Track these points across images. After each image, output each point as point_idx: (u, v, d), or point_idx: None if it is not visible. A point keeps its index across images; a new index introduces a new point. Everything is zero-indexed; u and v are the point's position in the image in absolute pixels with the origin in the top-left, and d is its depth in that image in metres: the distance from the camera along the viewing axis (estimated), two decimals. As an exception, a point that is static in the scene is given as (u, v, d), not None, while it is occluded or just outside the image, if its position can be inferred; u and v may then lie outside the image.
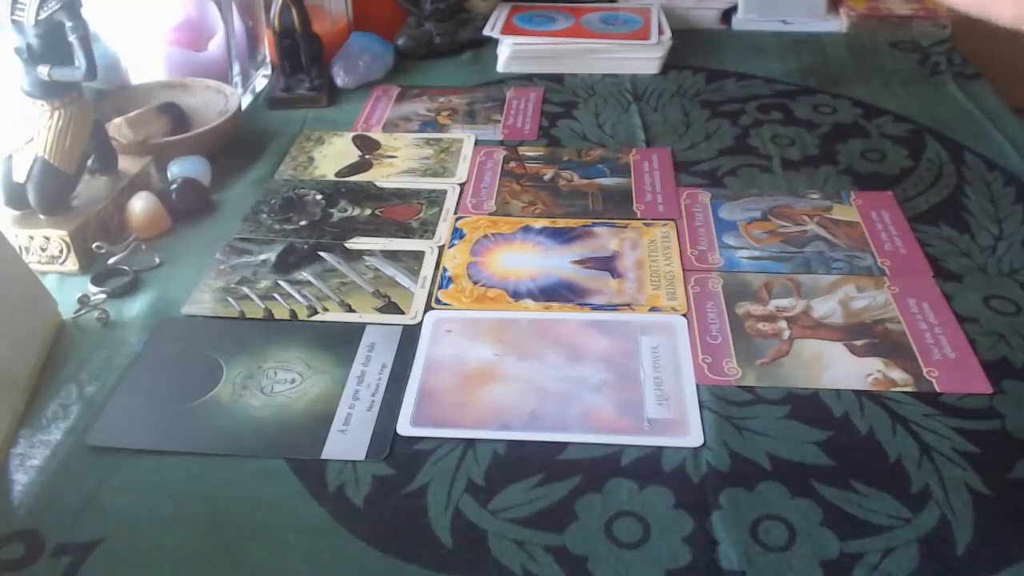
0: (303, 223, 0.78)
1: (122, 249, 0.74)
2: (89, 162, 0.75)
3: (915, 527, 0.50)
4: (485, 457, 0.55)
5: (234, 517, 0.51)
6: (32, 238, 0.71)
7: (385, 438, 0.56)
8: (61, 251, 0.71)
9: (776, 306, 0.67)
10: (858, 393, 0.59)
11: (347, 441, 0.56)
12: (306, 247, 0.74)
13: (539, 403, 0.59)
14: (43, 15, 0.66)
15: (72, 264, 0.72)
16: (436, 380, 0.61)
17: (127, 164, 0.79)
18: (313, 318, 0.67)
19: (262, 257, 0.73)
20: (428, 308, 0.68)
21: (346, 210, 0.80)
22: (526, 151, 0.89)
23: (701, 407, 0.58)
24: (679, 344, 0.63)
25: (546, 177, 0.84)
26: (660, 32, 1.07)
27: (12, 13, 0.67)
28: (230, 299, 0.69)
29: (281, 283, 0.70)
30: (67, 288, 0.70)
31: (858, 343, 0.63)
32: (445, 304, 0.68)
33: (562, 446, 0.55)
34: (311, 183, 0.84)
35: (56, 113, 0.70)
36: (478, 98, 1.00)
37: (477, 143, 0.91)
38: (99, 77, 0.70)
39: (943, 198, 0.80)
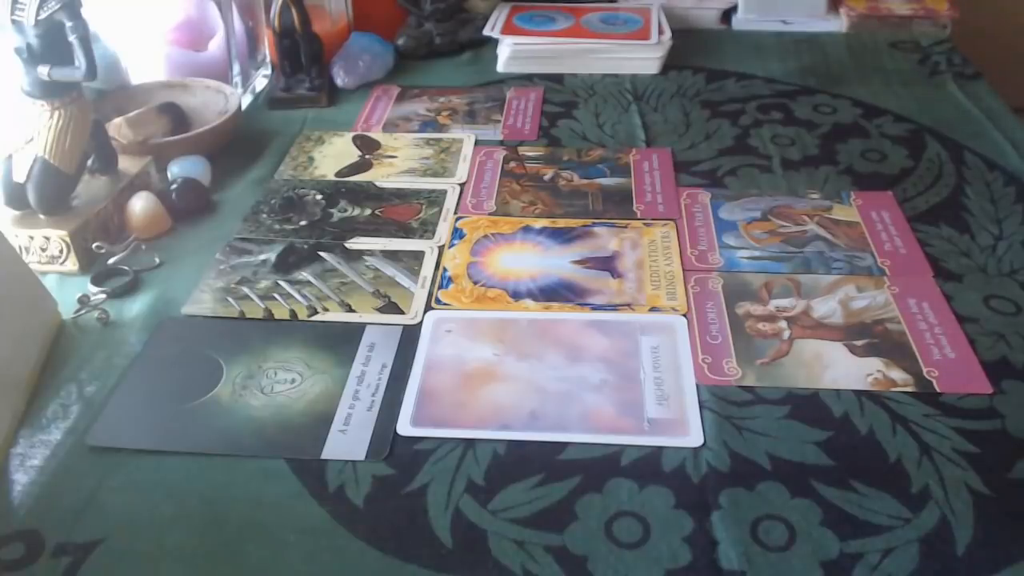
0: (303, 223, 0.78)
1: (122, 249, 0.74)
2: (89, 162, 0.75)
3: (915, 527, 0.50)
4: (485, 457, 0.55)
5: (234, 517, 0.51)
6: (32, 238, 0.71)
7: (385, 438, 0.56)
8: (61, 251, 0.71)
9: (776, 306, 0.67)
10: (858, 393, 0.59)
11: (347, 441, 0.56)
12: (306, 247, 0.74)
13: (539, 403, 0.59)
14: (43, 15, 0.66)
15: (72, 264, 0.72)
16: (436, 380, 0.61)
17: (127, 164, 0.79)
18: (313, 318, 0.67)
19: (262, 257, 0.73)
20: (428, 308, 0.68)
21: (346, 210, 0.80)
22: (526, 151, 0.89)
23: (701, 407, 0.58)
24: (679, 344, 0.63)
25: (546, 177, 0.84)
26: (660, 32, 1.07)
27: (12, 13, 0.67)
28: (230, 299, 0.69)
29: (281, 283, 0.70)
30: (67, 288, 0.70)
31: (858, 343, 0.63)
32: (445, 304, 0.68)
33: (562, 446, 0.55)
34: (311, 183, 0.84)
35: (56, 113, 0.70)
36: (478, 98, 1.00)
37: (477, 143, 0.91)
38: (99, 77, 0.70)
39: (943, 198, 0.80)
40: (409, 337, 0.65)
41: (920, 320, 0.65)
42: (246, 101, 0.99)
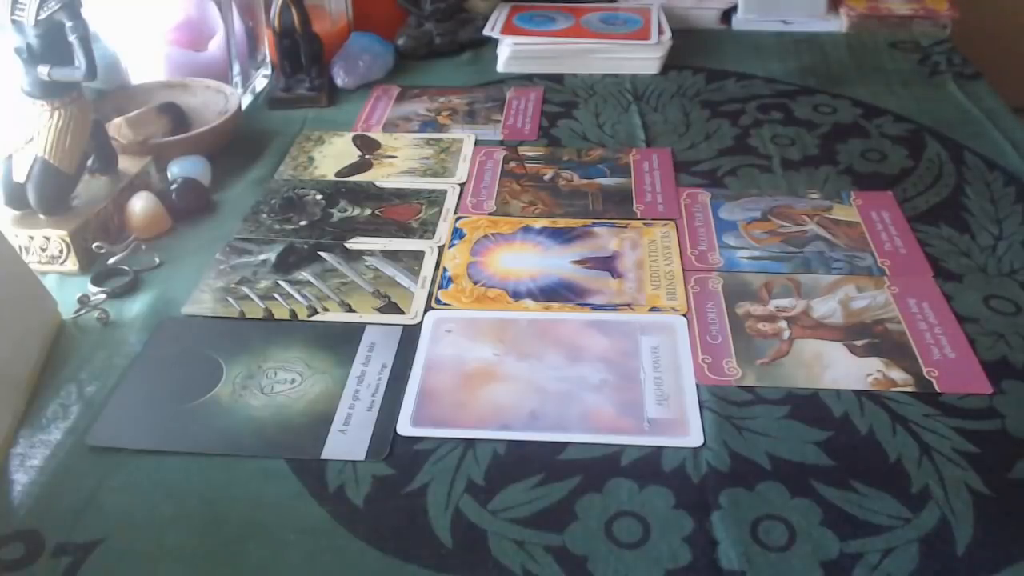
0: (303, 223, 0.78)
1: (122, 249, 0.74)
2: (89, 162, 0.75)
3: (915, 527, 0.50)
4: (485, 457, 0.55)
5: (234, 517, 0.51)
6: (32, 238, 0.71)
7: (385, 438, 0.56)
8: (61, 251, 0.71)
9: (776, 306, 0.67)
10: (858, 393, 0.59)
11: (347, 441, 0.56)
12: (306, 247, 0.74)
13: (539, 403, 0.59)
14: (43, 15, 0.66)
15: (72, 264, 0.72)
16: (436, 380, 0.61)
17: (127, 164, 0.79)
18: (313, 318, 0.67)
19: (262, 257, 0.73)
20: (428, 308, 0.68)
21: (346, 210, 0.80)
22: (526, 151, 0.89)
23: (701, 407, 0.58)
24: (679, 344, 0.63)
25: (546, 177, 0.84)
26: (660, 32, 1.07)
27: (12, 13, 0.67)
28: (230, 299, 0.69)
29: (281, 283, 0.70)
30: (67, 288, 0.70)
31: (858, 343, 0.63)
32: (445, 304, 0.68)
33: (562, 446, 0.55)
34: (311, 183, 0.84)
35: (56, 113, 0.70)
36: (478, 98, 1.00)
37: (477, 143, 0.91)
38: (99, 77, 0.70)
39: (943, 198, 0.80)
40: (409, 337, 0.65)
41: (920, 320, 0.65)
42: (246, 101, 0.99)
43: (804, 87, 1.01)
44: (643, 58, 1.05)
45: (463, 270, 0.72)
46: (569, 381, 0.60)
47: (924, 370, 0.60)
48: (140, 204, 0.76)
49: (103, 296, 0.69)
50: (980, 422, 0.57)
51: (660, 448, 0.55)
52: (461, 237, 0.76)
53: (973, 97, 0.98)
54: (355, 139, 0.92)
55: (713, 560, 0.48)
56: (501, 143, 0.91)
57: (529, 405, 0.58)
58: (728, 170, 0.85)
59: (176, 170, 0.81)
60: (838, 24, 1.16)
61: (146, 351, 0.64)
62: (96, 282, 0.70)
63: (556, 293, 0.69)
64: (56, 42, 0.67)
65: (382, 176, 0.85)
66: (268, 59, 1.05)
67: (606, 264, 0.72)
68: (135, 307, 0.68)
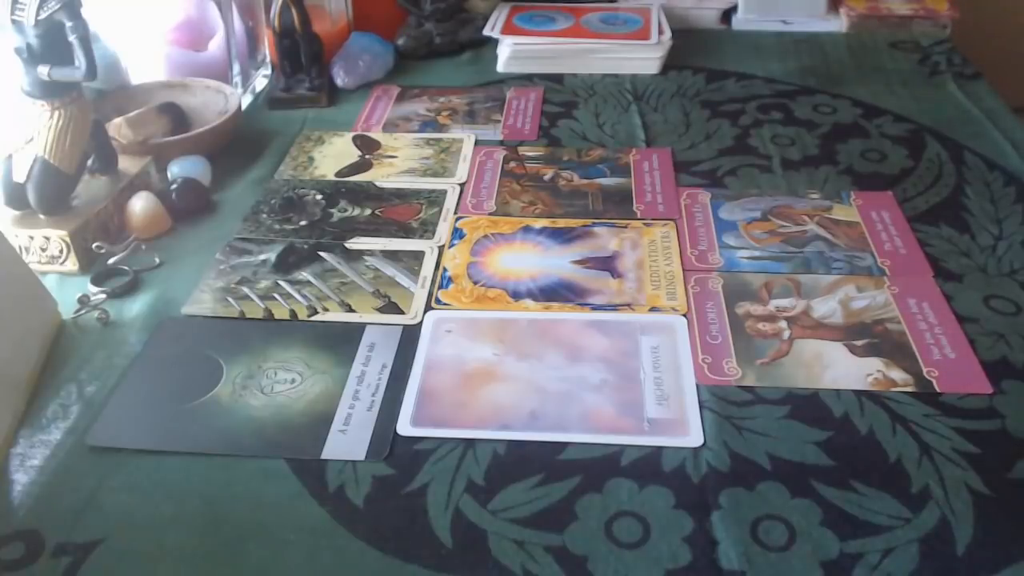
0: (303, 223, 0.78)
1: (122, 249, 0.74)
2: (89, 162, 0.75)
3: (915, 527, 0.50)
4: (485, 457, 0.55)
5: (234, 517, 0.51)
6: (32, 238, 0.71)
7: (385, 438, 0.56)
8: (61, 251, 0.71)
9: (776, 306, 0.67)
10: (858, 393, 0.59)
11: (347, 441, 0.56)
12: (306, 247, 0.74)
13: (539, 403, 0.59)
14: (43, 15, 0.66)
15: (72, 264, 0.72)
16: (436, 380, 0.61)
17: (127, 164, 0.79)
18: (313, 318, 0.67)
19: (262, 257, 0.73)
20: (428, 308, 0.68)
21: (346, 210, 0.80)
22: (526, 151, 0.89)
23: (701, 407, 0.58)
24: (679, 344, 0.63)
25: (546, 177, 0.84)
26: (660, 32, 1.07)
27: (12, 13, 0.67)
28: (230, 299, 0.69)
29: (281, 283, 0.70)
30: (67, 288, 0.70)
31: (858, 343, 0.63)
32: (445, 304, 0.68)
33: (562, 446, 0.55)
34: (311, 183, 0.84)
35: (56, 113, 0.70)
36: (478, 98, 1.00)
37: (477, 143, 0.91)
38: (99, 77, 0.70)
39: (943, 198, 0.80)
40: (409, 337, 0.65)
41: (920, 320, 0.65)
42: (246, 101, 0.99)
43: (804, 87, 1.01)
44: (643, 58, 1.05)
45: (463, 270, 0.72)
46: (569, 381, 0.60)
47: (924, 370, 0.60)
48: (140, 204, 0.76)
49: (103, 296, 0.69)
50: (980, 422, 0.57)
51: (660, 448, 0.55)
52: (461, 237, 0.76)
53: (973, 97, 0.98)
54: (355, 139, 0.92)
55: (713, 560, 0.48)
56: (501, 143, 0.91)
57: (529, 405, 0.58)
58: (728, 170, 0.85)
59: (176, 170, 0.81)
60: (838, 24, 1.16)
61: (146, 351, 0.64)
62: (96, 282, 0.70)
63: (556, 293, 0.69)
64: (56, 42, 0.67)
65: (382, 176, 0.85)
66: (268, 59, 1.05)
67: (606, 264, 0.72)
68: (135, 307, 0.68)
